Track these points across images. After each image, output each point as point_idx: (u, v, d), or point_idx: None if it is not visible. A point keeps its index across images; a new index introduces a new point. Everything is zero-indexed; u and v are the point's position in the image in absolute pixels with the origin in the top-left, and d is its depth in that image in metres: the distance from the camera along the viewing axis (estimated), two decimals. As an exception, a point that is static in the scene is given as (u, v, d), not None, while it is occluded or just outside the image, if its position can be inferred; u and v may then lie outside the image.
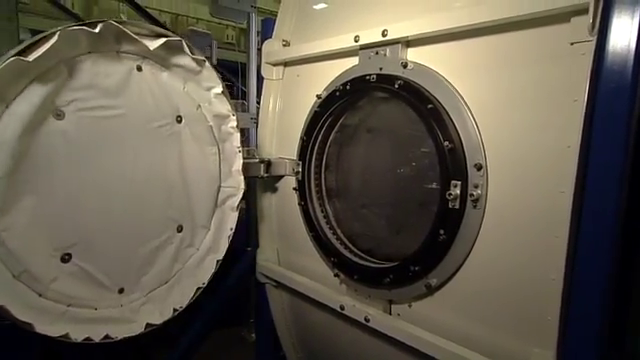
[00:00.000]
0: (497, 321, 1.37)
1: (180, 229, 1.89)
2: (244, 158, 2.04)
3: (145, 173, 1.76)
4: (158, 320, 1.77)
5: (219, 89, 1.88)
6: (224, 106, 1.91)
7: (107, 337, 1.65)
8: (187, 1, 9.52)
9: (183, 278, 1.90)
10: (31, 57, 1.37)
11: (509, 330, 1.33)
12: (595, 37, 1.11)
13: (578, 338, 1.16)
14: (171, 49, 1.74)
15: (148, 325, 1.75)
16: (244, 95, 3.64)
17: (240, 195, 1.99)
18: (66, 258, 1.58)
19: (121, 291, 1.74)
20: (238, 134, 1.96)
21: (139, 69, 1.69)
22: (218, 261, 1.94)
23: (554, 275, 1.18)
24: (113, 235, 1.70)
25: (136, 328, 1.73)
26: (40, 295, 1.53)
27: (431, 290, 1.53)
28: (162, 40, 1.68)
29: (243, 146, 2.02)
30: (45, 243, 1.53)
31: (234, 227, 1.99)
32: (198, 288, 1.88)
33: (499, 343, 1.35)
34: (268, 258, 2.34)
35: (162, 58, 1.75)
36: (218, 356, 3.21)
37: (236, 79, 5.12)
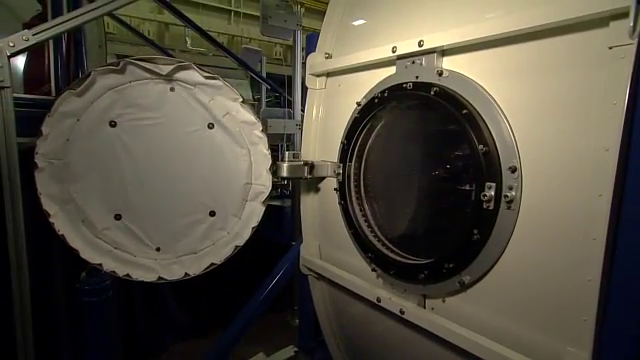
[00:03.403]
0: (529, 319, 1.29)
1: (213, 214, 2.15)
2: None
3: (182, 166, 2.11)
4: (169, 277, 2.11)
5: (240, 99, 2.12)
6: (249, 114, 2.13)
7: (127, 276, 2.07)
8: (241, 23, 9.88)
9: (211, 254, 2.15)
10: (78, 89, 1.94)
11: (541, 328, 1.25)
12: (636, 40, 1.02)
13: (615, 340, 1.07)
14: (188, 71, 2.07)
15: (160, 278, 2.10)
16: (290, 104, 3.71)
17: (267, 192, 2.16)
18: (118, 217, 2.07)
19: (158, 249, 2.12)
20: (266, 139, 2.16)
21: (172, 90, 2.08)
22: (237, 247, 2.14)
23: (590, 276, 1.09)
24: (154, 209, 2.11)
25: (151, 277, 2.11)
26: (96, 236, 2.05)
27: (464, 287, 1.47)
28: (172, 66, 2.04)
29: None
30: (102, 204, 2.05)
31: (259, 220, 2.16)
32: (212, 264, 2.13)
33: (531, 340, 1.27)
34: (311, 252, 2.36)
35: (187, 80, 2.09)
36: (266, 337, 3.29)
37: (283, 90, 5.24)
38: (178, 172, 2.10)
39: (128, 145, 2.04)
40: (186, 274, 2.11)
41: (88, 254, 2.00)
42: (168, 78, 2.06)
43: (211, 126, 2.11)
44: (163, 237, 2.11)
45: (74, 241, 1.98)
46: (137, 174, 2.06)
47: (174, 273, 2.11)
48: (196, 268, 2.12)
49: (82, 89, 1.95)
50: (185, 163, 2.10)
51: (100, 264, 2.02)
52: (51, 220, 1.94)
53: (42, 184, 1.92)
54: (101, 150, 2.01)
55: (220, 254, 2.14)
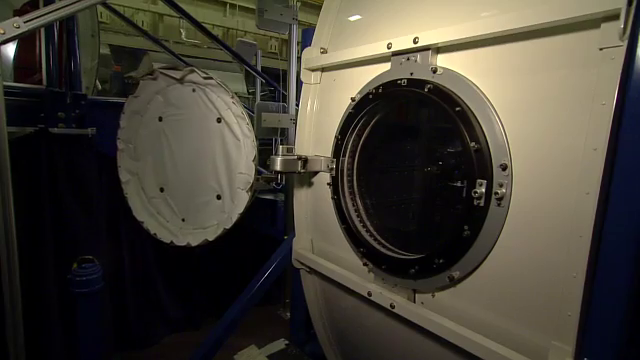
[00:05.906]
0: (516, 314, 1.32)
1: (219, 197, 2.54)
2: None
3: (200, 154, 2.55)
4: (177, 243, 2.65)
5: (231, 94, 2.45)
6: (240, 109, 2.42)
7: (155, 234, 2.72)
8: (236, 16, 9.77)
9: (212, 232, 2.55)
10: (135, 94, 2.73)
11: (528, 323, 1.28)
12: (626, 42, 1.03)
13: (598, 335, 1.10)
14: (195, 74, 2.47)
15: (171, 242, 2.68)
16: (285, 98, 3.69)
17: (252, 182, 2.42)
18: (162, 190, 2.76)
19: (183, 220, 2.70)
20: (253, 132, 2.45)
21: (193, 90, 2.52)
22: (225, 229, 2.50)
23: (575, 273, 1.12)
24: (182, 187, 2.68)
25: (167, 240, 2.70)
26: (147, 201, 2.78)
27: (454, 282, 1.49)
28: (181, 72, 2.52)
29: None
30: (153, 179, 2.76)
31: (245, 207, 2.43)
32: (205, 239, 2.55)
33: (518, 334, 1.30)
34: (303, 246, 2.37)
35: (199, 82, 2.47)
36: (257, 329, 3.30)
37: (278, 84, 5.22)
38: (197, 159, 2.56)
39: (167, 135, 2.65)
40: (188, 244, 2.56)
41: (138, 213, 2.75)
42: (181, 81, 2.49)
43: (218, 120, 2.46)
44: (186, 211, 2.65)
45: (132, 201, 2.74)
46: (172, 159, 2.65)
47: (182, 241, 2.60)
48: (196, 241, 2.55)
49: (136, 93, 2.70)
50: (202, 152, 2.53)
51: (142, 222, 2.76)
52: (123, 185, 2.75)
53: (121, 160, 2.75)
54: (153, 139, 2.70)
55: (215, 233, 2.51)
